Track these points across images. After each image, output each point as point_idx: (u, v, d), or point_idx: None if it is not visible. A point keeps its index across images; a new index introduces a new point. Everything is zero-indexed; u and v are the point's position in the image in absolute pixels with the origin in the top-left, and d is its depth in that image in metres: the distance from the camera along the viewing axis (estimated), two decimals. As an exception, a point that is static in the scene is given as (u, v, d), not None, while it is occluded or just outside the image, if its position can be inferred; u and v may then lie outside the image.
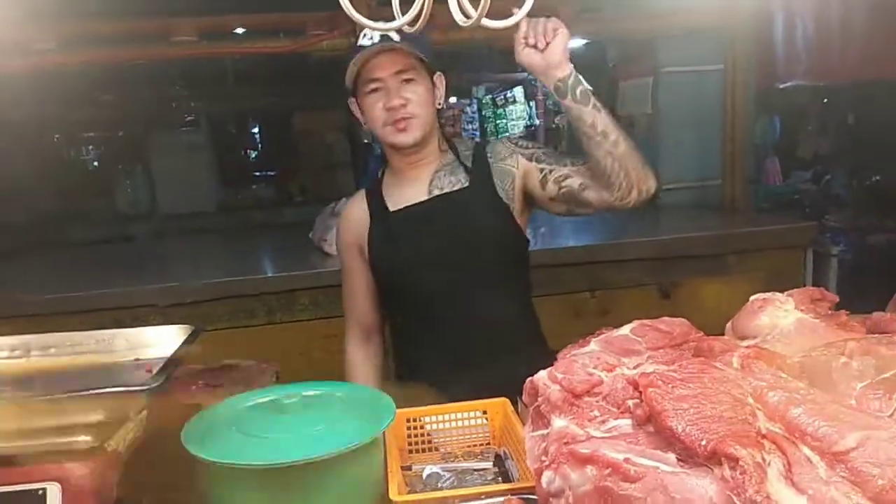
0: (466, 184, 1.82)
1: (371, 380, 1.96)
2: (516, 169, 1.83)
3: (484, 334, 1.80)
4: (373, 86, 1.74)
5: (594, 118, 1.66)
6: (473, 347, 1.79)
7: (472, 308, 1.80)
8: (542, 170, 1.81)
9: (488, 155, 1.85)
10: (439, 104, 1.84)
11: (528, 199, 1.84)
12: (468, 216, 1.80)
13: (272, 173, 7.84)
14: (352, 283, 1.96)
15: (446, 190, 1.82)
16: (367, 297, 1.95)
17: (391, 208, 1.85)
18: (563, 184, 1.77)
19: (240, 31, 3.71)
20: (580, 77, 1.66)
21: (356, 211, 1.92)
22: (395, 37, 1.69)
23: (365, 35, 1.73)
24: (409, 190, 1.85)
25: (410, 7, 0.80)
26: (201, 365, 1.60)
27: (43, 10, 2.93)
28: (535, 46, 1.64)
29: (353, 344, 2.01)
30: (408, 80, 1.74)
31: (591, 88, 1.67)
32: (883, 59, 3.47)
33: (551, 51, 1.64)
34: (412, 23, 0.78)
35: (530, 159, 1.83)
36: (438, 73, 1.83)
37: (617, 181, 1.69)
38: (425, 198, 1.82)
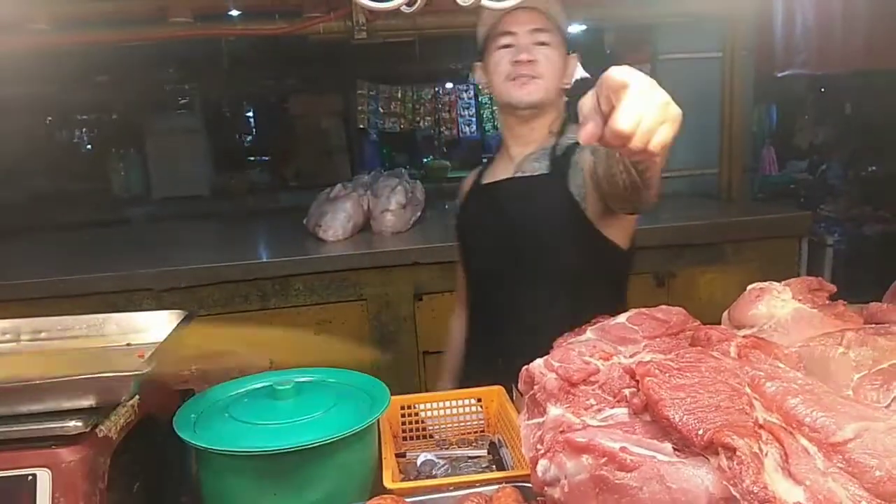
0: (548, 171, 1.74)
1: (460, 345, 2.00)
2: (584, 166, 1.70)
3: (528, 322, 1.68)
4: (505, 41, 1.69)
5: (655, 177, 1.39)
6: (518, 333, 1.69)
7: (531, 296, 1.73)
8: (594, 159, 1.63)
9: (578, 148, 1.73)
10: (566, 84, 1.78)
11: (600, 197, 1.66)
12: (535, 206, 1.73)
13: (267, 158, 7.79)
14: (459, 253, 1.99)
15: (527, 174, 1.77)
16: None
17: (483, 181, 1.87)
18: (610, 173, 1.50)
19: (235, 12, 3.67)
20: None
21: (466, 185, 1.96)
22: None
23: None
24: (502, 166, 1.84)
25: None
26: (194, 350, 1.58)
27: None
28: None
29: (455, 312, 2.04)
30: (542, 43, 1.69)
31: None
32: (881, 49, 3.46)
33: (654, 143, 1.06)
34: (410, 3, 0.76)
35: (592, 153, 1.65)
36: (574, 53, 1.79)
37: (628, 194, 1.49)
38: (509, 176, 1.80)
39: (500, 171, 1.83)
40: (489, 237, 1.80)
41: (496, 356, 1.67)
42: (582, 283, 1.72)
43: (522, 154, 1.80)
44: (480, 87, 1.81)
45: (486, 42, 1.74)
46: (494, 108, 7.39)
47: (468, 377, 1.82)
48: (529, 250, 1.74)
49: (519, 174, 1.78)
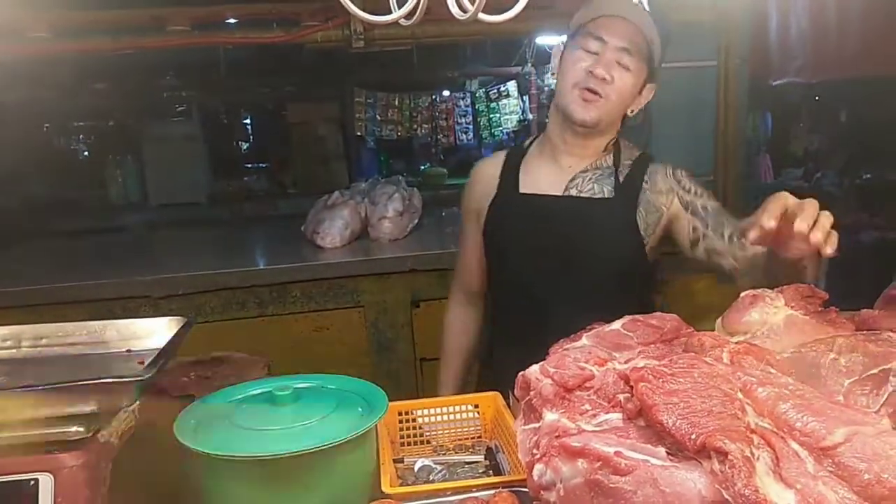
0: (610, 196, 1.71)
1: (463, 342, 1.98)
2: (667, 209, 1.71)
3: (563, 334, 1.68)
4: (592, 46, 1.62)
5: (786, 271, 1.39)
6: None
7: (564, 316, 1.70)
8: (695, 228, 1.67)
9: (646, 178, 1.73)
10: (632, 111, 1.74)
11: (668, 238, 1.74)
12: (593, 230, 1.69)
13: (264, 165, 7.81)
14: (464, 245, 1.94)
15: (585, 195, 1.71)
16: (477, 263, 1.90)
17: (522, 189, 1.77)
18: (714, 258, 1.64)
19: (233, 20, 3.69)
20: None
21: (486, 176, 1.84)
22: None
23: None
24: (543, 178, 1.75)
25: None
26: (193, 357, 1.60)
27: (34, -2, 2.90)
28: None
29: (453, 305, 1.99)
30: (624, 64, 1.63)
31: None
32: (876, 57, 3.48)
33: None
34: (408, 16, 0.78)
35: (687, 208, 1.69)
36: (652, 84, 1.73)
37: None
38: (559, 193, 1.73)
39: (547, 181, 1.75)
40: (536, 249, 1.73)
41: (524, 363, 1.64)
42: (625, 301, 1.70)
43: (575, 169, 1.74)
44: (552, 69, 1.73)
45: (576, 32, 1.66)
46: (491, 116, 7.45)
47: (497, 380, 1.64)
48: (580, 270, 1.71)
49: (575, 192, 1.72)
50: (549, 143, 1.78)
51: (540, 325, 1.69)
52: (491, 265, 1.87)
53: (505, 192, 1.79)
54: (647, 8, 1.64)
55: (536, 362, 1.61)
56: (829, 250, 1.19)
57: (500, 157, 1.86)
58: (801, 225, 1.18)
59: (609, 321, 1.64)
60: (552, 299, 1.72)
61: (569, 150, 1.74)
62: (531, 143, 1.86)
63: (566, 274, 1.71)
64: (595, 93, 1.62)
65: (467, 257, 1.92)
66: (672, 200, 1.71)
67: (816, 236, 1.17)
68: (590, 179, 1.73)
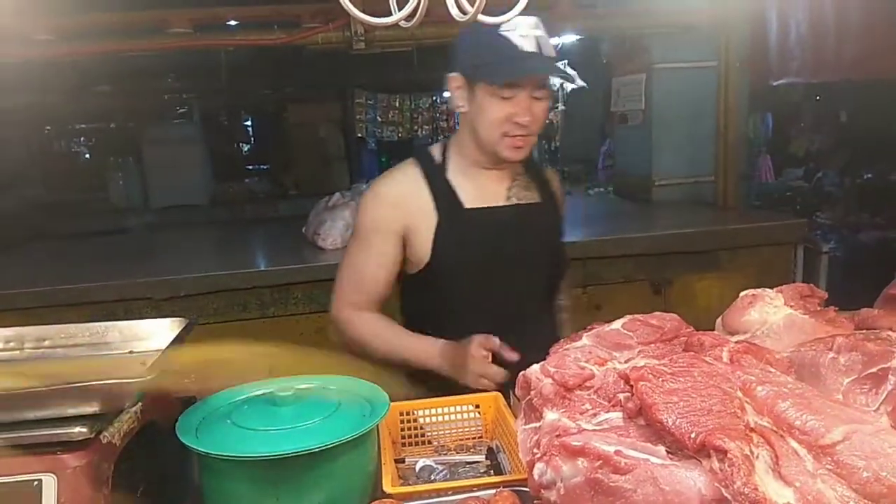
0: (539, 200, 1.85)
1: (399, 331, 1.80)
2: (562, 206, 1.94)
3: (520, 344, 1.68)
4: (508, 94, 1.63)
5: None
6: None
7: (520, 318, 1.79)
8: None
9: (547, 179, 1.91)
10: None
11: None
12: (541, 231, 1.85)
13: (265, 167, 7.83)
14: (367, 259, 1.79)
15: (524, 202, 1.82)
16: (386, 276, 1.79)
17: (467, 204, 1.76)
18: None
19: (234, 23, 3.70)
20: None
21: (407, 195, 1.77)
22: (548, 48, 1.64)
23: (518, 32, 1.60)
24: (483, 190, 1.79)
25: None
26: (195, 358, 1.60)
27: (37, 1, 2.91)
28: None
29: (360, 310, 1.81)
30: (539, 97, 1.66)
31: None
32: (876, 57, 3.49)
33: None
34: (409, 18, 0.78)
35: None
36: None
37: None
38: (503, 203, 1.79)
39: (488, 193, 1.79)
40: (490, 263, 1.77)
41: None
42: (554, 294, 1.98)
43: (505, 178, 1.82)
44: (455, 101, 1.71)
45: (483, 69, 1.63)
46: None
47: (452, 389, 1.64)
48: (532, 273, 1.84)
49: (515, 200, 1.81)
50: (471, 162, 1.79)
51: (496, 331, 1.71)
52: (439, 282, 1.79)
53: (449, 210, 1.75)
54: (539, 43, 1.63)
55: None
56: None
57: (412, 173, 1.79)
58: None
59: (551, 317, 1.93)
60: (506, 305, 1.79)
61: (499, 169, 1.81)
62: (442, 155, 1.82)
63: (522, 277, 1.81)
64: (523, 137, 1.68)
65: (372, 270, 1.79)
66: (563, 197, 1.95)
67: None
68: (521, 186, 1.83)
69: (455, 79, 1.70)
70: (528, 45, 1.59)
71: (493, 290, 1.79)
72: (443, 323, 1.80)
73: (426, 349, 1.72)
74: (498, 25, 1.55)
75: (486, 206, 1.77)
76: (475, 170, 1.78)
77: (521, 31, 1.59)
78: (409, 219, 1.75)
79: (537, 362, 1.64)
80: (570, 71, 1.75)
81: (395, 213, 1.75)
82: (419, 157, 1.82)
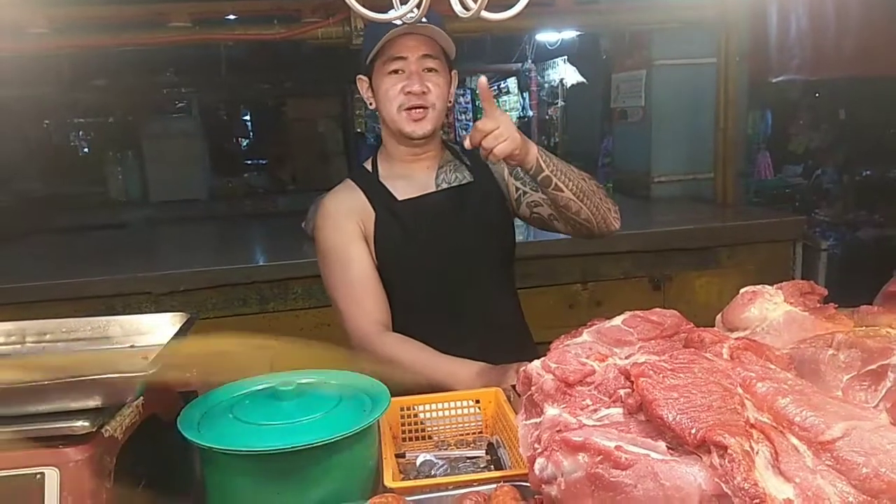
0: (471, 179, 1.85)
1: (430, 351, 1.71)
2: (504, 176, 1.90)
3: (483, 324, 1.81)
4: (395, 66, 1.69)
5: (556, 196, 1.73)
6: (472, 337, 1.77)
7: (474, 298, 1.81)
8: (517, 188, 1.88)
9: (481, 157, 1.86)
10: (450, 101, 1.82)
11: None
12: (479, 209, 1.83)
13: (264, 161, 7.82)
14: (362, 274, 1.77)
15: (454, 184, 1.83)
16: (381, 289, 1.79)
17: (400, 198, 1.80)
18: (535, 210, 1.87)
19: (233, 17, 3.69)
20: (541, 160, 1.67)
21: (353, 200, 1.81)
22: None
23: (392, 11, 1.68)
24: (413, 182, 1.82)
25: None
26: (196, 352, 1.60)
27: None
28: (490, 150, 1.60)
29: (381, 326, 1.76)
30: (431, 69, 1.70)
31: (554, 167, 1.70)
32: (876, 55, 3.49)
33: (496, 156, 1.60)
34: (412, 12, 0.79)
35: (511, 172, 1.89)
36: (454, 70, 1.81)
37: (578, 230, 1.82)
38: (434, 189, 1.82)
39: (417, 187, 1.82)
40: (433, 251, 1.78)
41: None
42: (510, 272, 1.95)
43: (432, 167, 1.84)
44: (367, 101, 1.81)
45: (374, 61, 1.71)
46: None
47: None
48: (479, 254, 1.83)
49: (446, 185, 1.83)
50: (396, 160, 1.85)
51: (449, 318, 1.79)
52: (389, 277, 1.80)
53: (385, 207, 1.79)
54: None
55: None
56: (486, 154, 1.58)
57: (349, 185, 1.86)
58: (478, 124, 1.57)
59: (508, 297, 1.91)
60: (458, 289, 1.80)
61: (417, 157, 1.83)
62: (374, 164, 1.88)
63: (465, 260, 1.80)
64: (421, 107, 1.71)
65: (368, 276, 1.78)
66: (503, 167, 1.88)
67: (475, 138, 1.58)
68: (449, 171, 1.86)
69: (361, 80, 1.80)
70: (399, 22, 1.64)
71: (442, 276, 1.80)
72: (400, 318, 1.81)
73: (460, 371, 1.65)
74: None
75: (417, 195, 1.81)
76: (402, 166, 1.84)
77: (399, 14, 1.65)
78: (360, 223, 1.80)
79: (498, 344, 1.73)
80: (443, 34, 1.68)
81: (350, 220, 1.80)
82: (353, 174, 1.92)
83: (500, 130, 1.57)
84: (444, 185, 1.84)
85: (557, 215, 1.81)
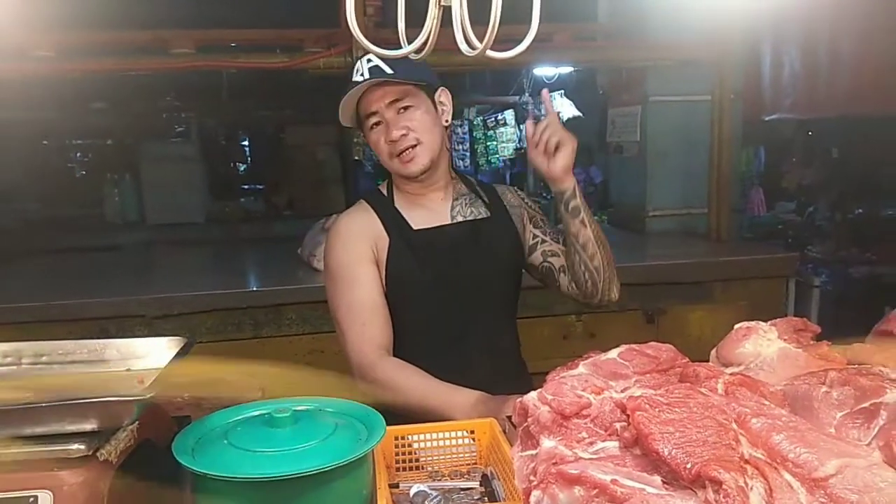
0: (488, 215, 1.87)
1: (429, 378, 1.69)
2: (522, 221, 1.92)
3: (485, 354, 1.82)
4: (373, 120, 1.76)
5: (579, 231, 1.76)
6: (473, 366, 1.78)
7: (479, 329, 1.82)
8: (535, 236, 1.90)
9: (499, 197, 1.93)
10: (446, 122, 1.84)
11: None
12: (493, 245, 1.85)
13: (261, 187, 7.84)
14: (367, 296, 1.77)
15: (470, 218, 1.86)
16: (386, 313, 1.79)
17: (414, 227, 1.82)
18: (548, 259, 1.88)
19: (236, 45, 3.73)
20: (577, 192, 1.75)
21: (367, 223, 1.82)
22: (385, 67, 1.70)
23: (357, 71, 1.74)
24: (428, 212, 1.84)
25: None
26: (190, 377, 1.60)
27: (41, 17, 2.94)
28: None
29: (382, 350, 1.75)
30: (405, 108, 1.74)
31: (584, 205, 1.76)
32: (868, 95, 3.55)
33: (555, 163, 1.70)
34: (418, 51, 0.81)
35: (531, 220, 1.92)
36: (441, 88, 1.83)
37: (583, 285, 1.82)
38: (448, 221, 1.84)
39: (432, 217, 1.84)
40: (444, 283, 1.80)
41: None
42: (514, 309, 1.96)
43: (446, 198, 1.87)
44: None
45: (360, 121, 1.81)
46: (488, 144, 7.50)
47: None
48: (488, 290, 1.85)
49: (461, 218, 1.85)
50: (407, 192, 1.87)
51: (452, 352, 1.80)
52: (397, 303, 1.80)
53: (399, 234, 1.80)
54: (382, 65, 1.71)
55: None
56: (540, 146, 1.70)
57: (364, 207, 1.87)
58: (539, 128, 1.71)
59: (511, 332, 1.92)
60: (464, 322, 1.82)
61: (428, 189, 1.85)
62: (388, 190, 1.89)
63: (473, 295, 1.82)
64: (407, 148, 1.74)
65: (374, 298, 1.78)
66: (524, 213, 1.92)
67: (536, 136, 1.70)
68: (465, 204, 1.88)
69: (361, 137, 1.91)
70: (357, 76, 1.73)
71: (450, 306, 1.81)
72: (403, 343, 1.81)
73: (458, 399, 1.63)
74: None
75: (433, 226, 1.83)
76: (416, 197, 1.86)
77: (358, 69, 1.74)
78: (372, 246, 1.80)
79: (496, 373, 1.75)
80: (406, 70, 1.70)
81: (363, 242, 1.81)
82: (367, 196, 1.92)
83: (565, 137, 1.68)
84: (460, 218, 1.86)
85: (570, 264, 1.83)
